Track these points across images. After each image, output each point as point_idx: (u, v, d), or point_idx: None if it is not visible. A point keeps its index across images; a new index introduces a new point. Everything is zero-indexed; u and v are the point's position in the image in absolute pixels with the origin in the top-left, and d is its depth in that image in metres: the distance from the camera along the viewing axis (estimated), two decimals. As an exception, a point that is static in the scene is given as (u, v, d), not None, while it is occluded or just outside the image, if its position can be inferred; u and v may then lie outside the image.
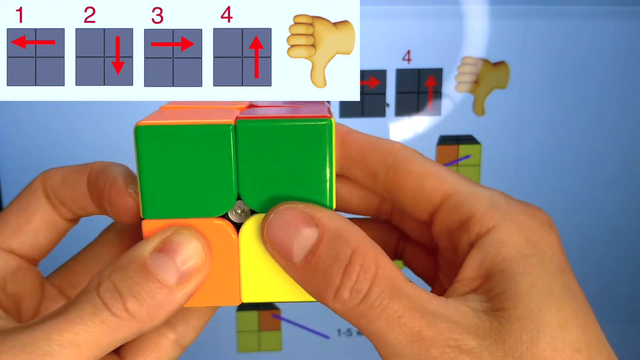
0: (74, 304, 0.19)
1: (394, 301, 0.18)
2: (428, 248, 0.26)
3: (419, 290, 0.19)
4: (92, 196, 0.23)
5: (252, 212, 0.20)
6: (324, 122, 0.19)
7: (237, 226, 0.21)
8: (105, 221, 0.26)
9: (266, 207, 0.20)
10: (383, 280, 0.18)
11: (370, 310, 0.18)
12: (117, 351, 0.24)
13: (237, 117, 0.20)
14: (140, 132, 0.19)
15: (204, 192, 0.20)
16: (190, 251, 0.19)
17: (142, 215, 0.20)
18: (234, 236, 0.20)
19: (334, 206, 0.20)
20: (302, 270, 0.19)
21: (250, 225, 0.20)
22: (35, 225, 0.24)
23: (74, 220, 0.25)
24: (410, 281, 0.19)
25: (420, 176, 0.23)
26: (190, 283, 0.19)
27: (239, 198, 0.20)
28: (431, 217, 0.23)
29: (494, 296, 0.19)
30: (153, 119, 0.20)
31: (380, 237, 0.26)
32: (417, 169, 0.23)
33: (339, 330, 0.51)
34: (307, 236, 0.19)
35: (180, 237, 0.19)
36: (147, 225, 0.20)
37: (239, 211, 0.20)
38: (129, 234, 0.25)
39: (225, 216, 0.21)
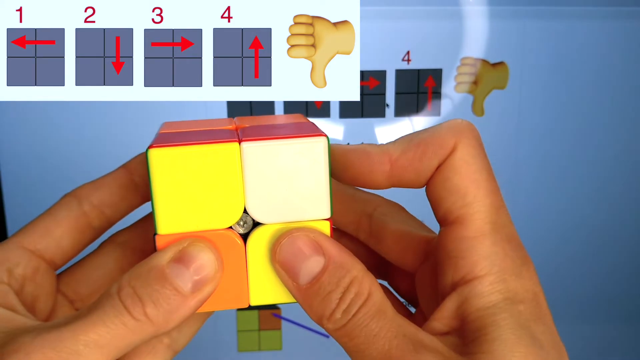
0: (97, 307, 0.20)
1: (374, 321, 0.20)
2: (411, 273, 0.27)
3: (402, 317, 0.21)
4: (137, 169, 0.25)
5: (254, 223, 0.22)
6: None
7: (243, 236, 0.22)
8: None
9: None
10: (370, 304, 0.21)
11: (353, 328, 0.21)
12: None
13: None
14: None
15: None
16: (204, 262, 0.21)
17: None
18: (240, 244, 0.22)
19: (332, 214, 0.22)
20: (305, 292, 0.21)
21: (257, 237, 0.22)
22: (62, 230, 0.25)
23: (100, 230, 0.26)
24: (395, 310, 0.21)
25: (400, 238, 0.25)
26: (204, 291, 0.21)
27: (244, 210, 0.22)
28: (417, 267, 0.25)
29: (467, 342, 0.21)
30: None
31: (363, 256, 0.28)
32: (397, 230, 0.25)
33: (338, 330, 0.50)
34: (314, 263, 0.21)
35: (196, 249, 0.21)
36: (161, 239, 0.22)
37: (242, 223, 0.22)
38: (130, 245, 0.26)
39: (229, 228, 0.22)
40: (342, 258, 0.21)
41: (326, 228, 0.22)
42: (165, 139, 0.22)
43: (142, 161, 0.25)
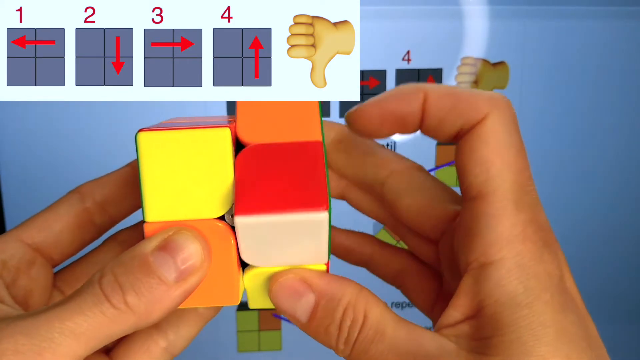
0: (77, 295, 0.19)
1: (373, 345, 0.20)
2: (428, 275, 0.27)
3: (405, 330, 0.21)
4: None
5: None
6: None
7: (234, 228, 0.21)
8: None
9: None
10: (367, 328, 0.21)
11: (358, 355, 0.21)
12: (108, 354, 0.24)
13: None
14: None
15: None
16: (190, 251, 0.20)
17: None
18: (230, 235, 0.21)
19: (331, 205, 0.21)
20: (309, 328, 0.22)
21: (252, 276, 0.22)
22: (62, 225, 0.24)
23: (103, 228, 0.26)
24: (398, 320, 0.21)
25: (416, 213, 0.24)
26: (189, 281, 0.20)
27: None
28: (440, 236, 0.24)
29: (481, 339, 0.20)
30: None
31: (381, 265, 0.28)
32: (412, 204, 0.24)
33: (338, 330, 0.51)
34: (306, 302, 0.21)
35: (182, 237, 0.20)
36: (149, 226, 0.21)
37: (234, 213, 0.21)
38: (131, 243, 0.26)
39: (221, 218, 0.21)
40: (332, 289, 0.21)
41: (321, 266, 0.22)
42: (159, 126, 0.21)
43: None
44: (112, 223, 0.26)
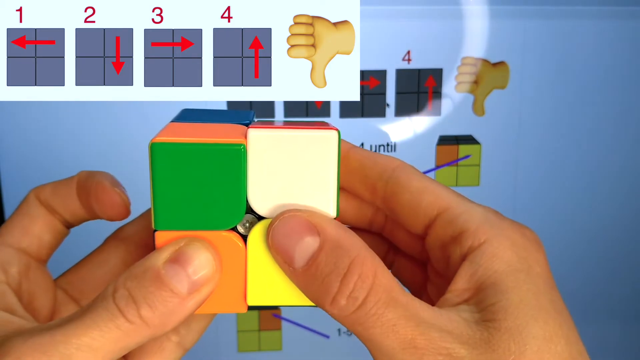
0: (91, 310, 0.20)
1: (389, 310, 0.19)
2: (417, 261, 0.27)
3: (415, 300, 0.20)
4: (80, 199, 0.25)
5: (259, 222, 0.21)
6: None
7: (245, 238, 0.21)
8: (107, 228, 0.27)
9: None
10: (380, 290, 0.19)
11: (366, 317, 0.19)
12: None
13: (249, 127, 0.21)
14: (156, 149, 0.20)
15: (215, 205, 0.21)
16: (201, 262, 0.20)
17: (153, 227, 0.21)
18: (241, 246, 0.21)
19: (338, 214, 0.21)
20: (302, 275, 0.20)
21: (258, 231, 0.21)
22: (39, 227, 0.25)
23: (71, 225, 0.26)
24: (406, 292, 0.20)
25: (418, 191, 0.24)
26: (201, 292, 0.20)
27: (247, 211, 0.21)
28: (426, 230, 0.24)
29: (485, 307, 0.20)
30: (166, 135, 0.20)
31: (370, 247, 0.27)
32: (415, 185, 0.24)
33: (339, 330, 0.51)
34: (308, 244, 0.20)
35: (193, 249, 0.20)
36: (160, 237, 0.21)
37: (247, 224, 0.21)
38: (134, 240, 0.26)
39: (234, 228, 0.21)
40: (340, 236, 0.20)
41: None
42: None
43: (90, 174, 0.25)
44: (80, 220, 0.26)
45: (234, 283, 0.21)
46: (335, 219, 0.21)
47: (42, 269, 0.25)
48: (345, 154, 0.25)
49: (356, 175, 0.25)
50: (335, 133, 0.20)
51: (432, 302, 0.22)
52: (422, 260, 0.26)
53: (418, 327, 0.19)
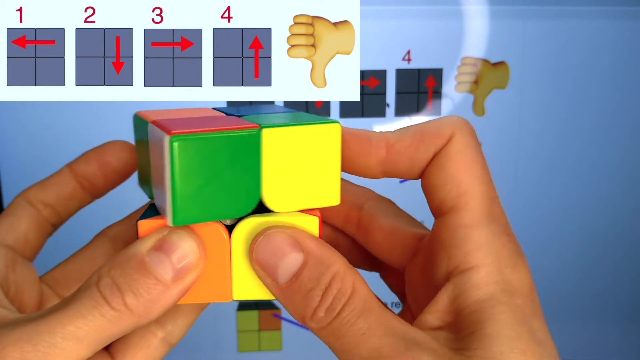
0: (76, 298, 0.20)
1: (361, 319, 0.20)
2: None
3: (390, 314, 0.20)
4: (85, 175, 0.26)
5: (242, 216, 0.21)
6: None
7: (230, 228, 0.21)
8: (94, 228, 0.27)
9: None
10: (356, 301, 0.20)
11: (340, 327, 0.20)
12: (107, 348, 0.24)
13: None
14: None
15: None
16: (185, 250, 0.20)
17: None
18: (225, 237, 0.21)
19: (339, 202, 0.22)
20: (285, 290, 0.20)
21: (242, 229, 0.21)
22: (25, 224, 0.25)
23: (56, 225, 0.26)
24: (383, 305, 0.21)
25: (389, 234, 0.24)
26: (186, 280, 0.20)
27: None
28: (404, 263, 0.24)
29: (461, 336, 0.20)
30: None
31: (354, 249, 0.27)
32: (386, 224, 0.24)
33: (338, 330, 0.51)
34: (293, 260, 0.20)
35: (177, 237, 0.20)
36: (143, 225, 0.21)
37: None
38: (121, 238, 0.26)
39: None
40: (323, 253, 0.20)
41: (315, 224, 0.21)
42: (178, 124, 0.21)
43: (88, 161, 0.26)
44: (63, 220, 0.26)
45: (218, 272, 0.21)
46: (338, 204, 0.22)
47: (28, 264, 0.25)
48: None
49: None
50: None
51: (411, 313, 0.23)
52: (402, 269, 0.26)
53: (386, 336, 0.19)
